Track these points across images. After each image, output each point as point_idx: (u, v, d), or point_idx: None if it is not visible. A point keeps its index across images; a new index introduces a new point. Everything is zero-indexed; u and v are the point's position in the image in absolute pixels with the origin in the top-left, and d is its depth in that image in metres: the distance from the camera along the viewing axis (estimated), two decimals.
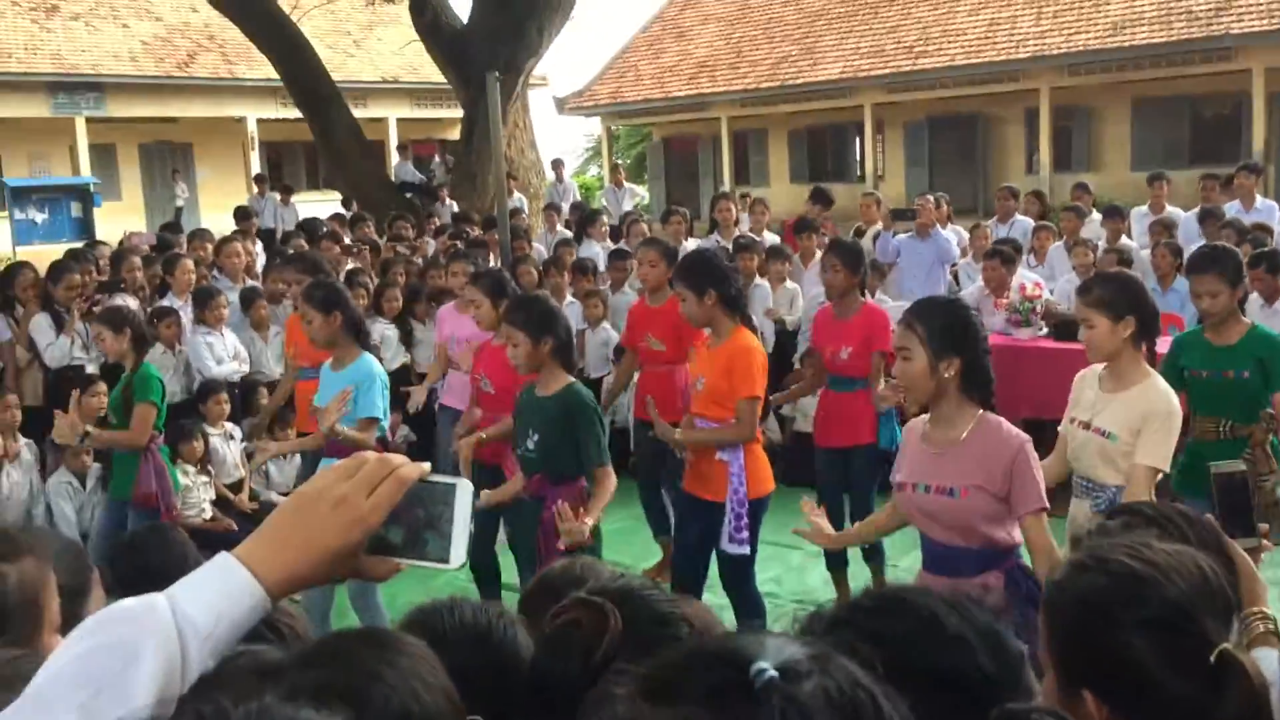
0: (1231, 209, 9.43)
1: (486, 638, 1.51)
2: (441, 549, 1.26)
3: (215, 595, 1.14)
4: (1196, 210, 9.63)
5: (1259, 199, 9.60)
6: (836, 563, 5.73)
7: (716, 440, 4.68)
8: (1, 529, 1.96)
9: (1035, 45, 20.43)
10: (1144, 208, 10.29)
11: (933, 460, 3.18)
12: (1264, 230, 8.12)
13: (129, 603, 1.11)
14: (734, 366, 4.62)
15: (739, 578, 4.82)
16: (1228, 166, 13.73)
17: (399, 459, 1.25)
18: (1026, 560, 3.23)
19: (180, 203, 25.00)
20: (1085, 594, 1.60)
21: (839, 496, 5.69)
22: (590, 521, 4.14)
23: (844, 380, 5.61)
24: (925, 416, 3.32)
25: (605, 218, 12.52)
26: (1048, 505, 3.11)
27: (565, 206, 15.23)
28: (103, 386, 6.19)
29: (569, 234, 11.69)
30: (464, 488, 1.27)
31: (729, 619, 4.92)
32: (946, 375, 3.12)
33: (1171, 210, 9.92)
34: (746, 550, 4.73)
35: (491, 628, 1.52)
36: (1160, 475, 3.56)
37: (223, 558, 1.18)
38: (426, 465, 1.28)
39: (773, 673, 0.87)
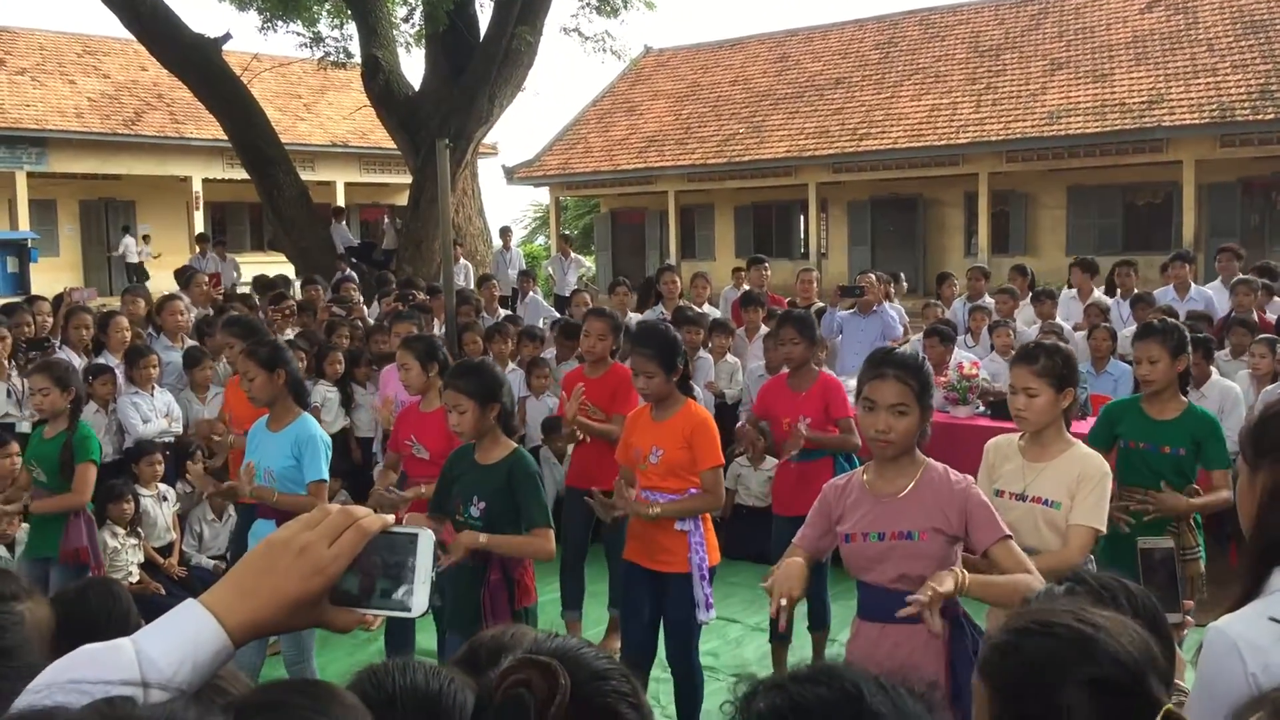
0: (1165, 296, 9.64)
1: (437, 702, 1.49)
2: (404, 598, 1.27)
3: (180, 640, 1.16)
4: (1120, 294, 9.85)
5: (1193, 287, 9.80)
6: (780, 636, 5.71)
7: (689, 510, 4.68)
8: (3, 570, 1.96)
9: (974, 131, 21.00)
10: (1072, 292, 10.50)
11: (884, 509, 3.20)
12: (1201, 318, 8.28)
13: (94, 647, 1.13)
14: (697, 438, 4.65)
15: (691, 647, 4.81)
16: (1159, 253, 14.12)
17: (362, 510, 1.27)
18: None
19: (137, 259, 24.01)
20: (1032, 656, 1.61)
21: None
22: (483, 540, 4.13)
23: (804, 450, 5.63)
24: (859, 471, 3.38)
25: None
26: (1010, 533, 3.14)
27: (512, 274, 15.24)
28: (15, 448, 5.90)
29: (504, 311, 11.55)
30: (426, 537, 1.28)
31: (666, 690, 4.88)
32: (927, 428, 3.24)
33: (1098, 295, 10.14)
34: (714, 616, 4.81)
35: (443, 693, 1.50)
36: (1099, 537, 3.61)
37: (190, 603, 1.21)
38: (390, 517, 1.30)
39: None
